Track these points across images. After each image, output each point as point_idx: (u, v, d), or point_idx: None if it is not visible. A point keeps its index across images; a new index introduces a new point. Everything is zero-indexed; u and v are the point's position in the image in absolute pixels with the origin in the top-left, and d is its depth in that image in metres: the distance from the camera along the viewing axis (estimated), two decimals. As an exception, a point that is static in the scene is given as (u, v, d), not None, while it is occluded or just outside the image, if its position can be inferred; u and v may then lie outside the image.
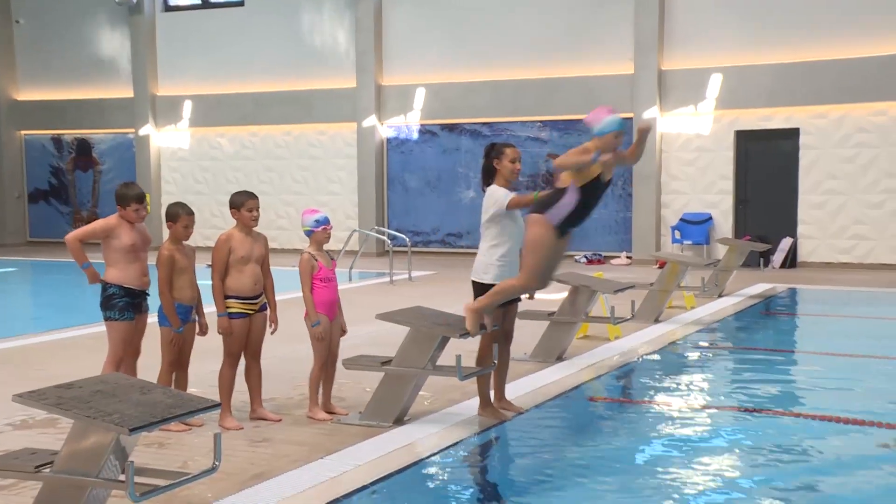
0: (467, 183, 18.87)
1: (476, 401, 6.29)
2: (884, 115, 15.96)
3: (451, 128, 19.43)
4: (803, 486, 4.91)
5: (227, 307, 5.96)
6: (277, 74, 20.40)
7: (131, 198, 5.94)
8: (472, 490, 5.12)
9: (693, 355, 8.96)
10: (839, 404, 6.59)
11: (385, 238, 16.18)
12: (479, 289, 6.10)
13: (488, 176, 6.14)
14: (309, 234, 6.27)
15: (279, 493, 4.64)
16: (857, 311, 11.73)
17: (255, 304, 6.06)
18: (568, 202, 5.62)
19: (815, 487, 4.90)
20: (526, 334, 8.13)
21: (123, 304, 5.86)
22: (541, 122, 18.60)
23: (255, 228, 6.14)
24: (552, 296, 9.59)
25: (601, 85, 17.86)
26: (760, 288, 13.46)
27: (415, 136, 19.77)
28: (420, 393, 6.32)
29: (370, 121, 19.73)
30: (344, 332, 6.40)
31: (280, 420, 6.09)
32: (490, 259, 6.06)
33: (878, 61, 15.81)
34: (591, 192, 5.68)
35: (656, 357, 8.61)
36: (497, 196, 6.01)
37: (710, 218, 17.14)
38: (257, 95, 20.62)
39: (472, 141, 18.82)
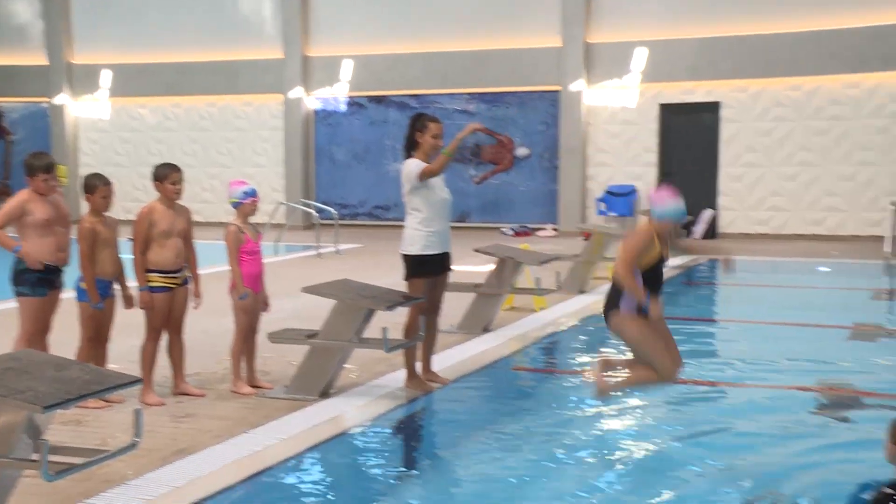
0: (395, 155, 18.78)
1: (403, 373, 6.31)
2: (798, 89, 16.42)
3: (378, 100, 19.29)
4: (720, 447, 5.05)
5: (149, 281, 5.84)
6: (201, 44, 19.93)
7: (39, 168, 5.73)
8: (398, 461, 5.15)
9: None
10: (757, 369, 6.81)
11: (312, 211, 16.04)
12: (408, 261, 6.12)
13: (410, 147, 6.13)
14: (236, 205, 6.18)
15: (202, 468, 4.59)
16: (773, 280, 12.09)
17: (178, 278, 5.95)
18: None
19: (731, 447, 5.05)
20: (453, 306, 8.16)
21: (36, 280, 5.68)
22: (469, 94, 18.61)
23: (178, 201, 6.01)
24: (478, 268, 9.65)
25: (529, 58, 17.95)
26: (683, 259, 13.74)
27: (342, 108, 19.58)
28: (346, 366, 6.30)
29: (297, 92, 19.46)
30: (266, 305, 6.34)
31: (203, 395, 6.01)
32: (415, 231, 6.07)
33: (794, 37, 16.22)
34: (651, 270, 5.24)
35: (581, 327, 8.74)
36: (408, 170, 6.03)
37: (635, 190, 17.43)
38: (180, 65, 20.12)
39: (399, 113, 18.72)
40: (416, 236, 6.06)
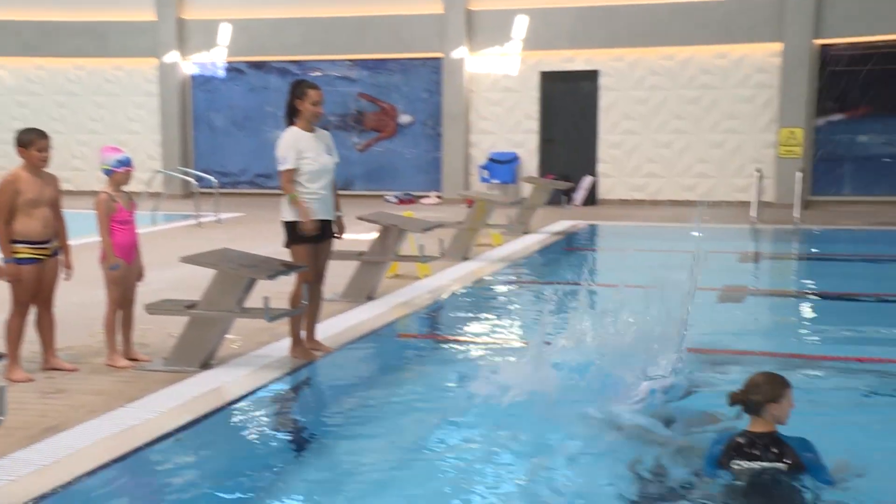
0: (276, 122, 18.34)
1: (286, 342, 6.25)
2: (672, 59, 16.93)
3: (258, 65, 18.85)
4: (596, 405, 5.21)
5: (15, 252, 5.56)
6: (65, 1, 18.93)
7: None
8: (281, 431, 5.11)
9: (500, 291, 9.28)
10: (632, 332, 7.03)
11: (191, 179, 15.58)
12: (286, 228, 6.10)
13: (291, 114, 6.12)
14: (108, 173, 5.95)
15: (74, 445, 4.42)
16: (649, 244, 12.50)
17: (47, 248, 5.69)
18: None
19: (608, 408, 5.22)
20: (336, 274, 8.11)
21: None
22: (350, 60, 18.39)
23: (45, 169, 5.73)
24: (362, 236, 9.60)
25: (411, 24, 17.86)
26: (563, 225, 14.06)
27: (220, 73, 19.03)
28: (228, 336, 6.19)
29: (172, 56, 18.78)
30: (141, 276, 6.14)
31: (76, 370, 5.79)
32: None
33: (667, 7, 16.71)
34: None
35: (465, 294, 8.84)
36: (278, 152, 6.05)
37: (517, 157, 17.66)
38: (42, 24, 19.07)
39: (280, 79, 18.33)
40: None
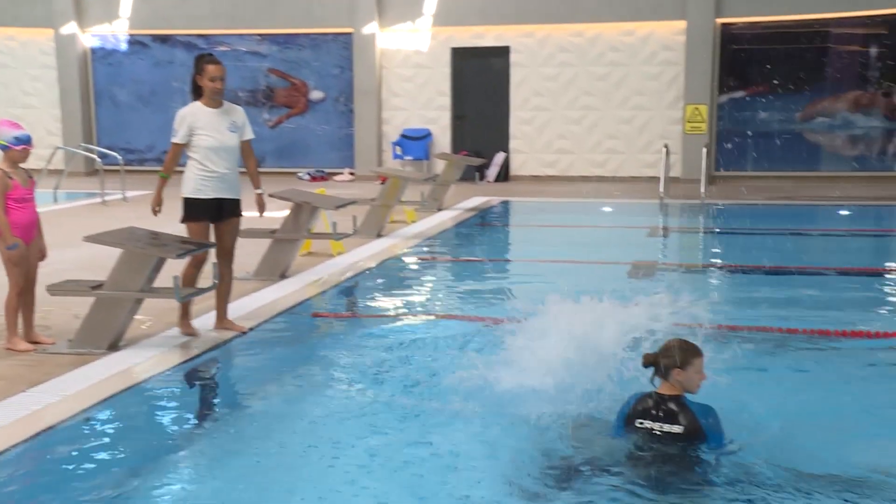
0: (183, 98, 17.74)
1: (198, 321, 6.12)
2: (581, 36, 17.12)
3: (163, 39, 18.29)
4: (518, 375, 5.26)
5: None
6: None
7: None
8: (193, 413, 5.02)
9: (414, 268, 9.28)
10: (546, 309, 7.12)
11: (94, 156, 15.06)
12: (183, 203, 6.08)
13: (196, 89, 6.04)
14: (4, 149, 5.70)
15: (-26, 432, 4.26)
16: (560, 220, 12.69)
17: (-61, 229, 5.43)
18: None
19: (522, 375, 5.28)
20: (249, 253, 7.98)
21: None
22: (259, 35, 18.02)
23: (-69, 145, 5.46)
24: (274, 213, 9.46)
25: (321, -2, 17.59)
26: (476, 201, 14.14)
27: (123, 46, 18.40)
28: (137, 317, 6.02)
29: (69, 28, 18.06)
30: (43, 256, 5.92)
31: (-26, 355, 5.56)
32: (189, 173, 6.07)
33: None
34: None
35: (379, 271, 8.81)
36: (174, 124, 6.07)
37: (430, 134, 17.64)
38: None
39: (187, 54, 17.82)
40: (188, 179, 6.05)
